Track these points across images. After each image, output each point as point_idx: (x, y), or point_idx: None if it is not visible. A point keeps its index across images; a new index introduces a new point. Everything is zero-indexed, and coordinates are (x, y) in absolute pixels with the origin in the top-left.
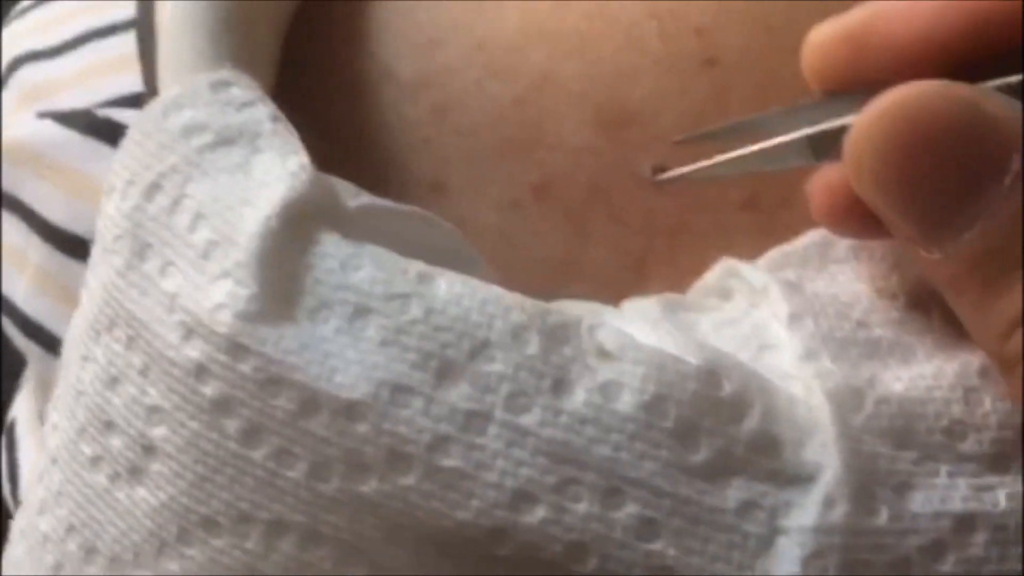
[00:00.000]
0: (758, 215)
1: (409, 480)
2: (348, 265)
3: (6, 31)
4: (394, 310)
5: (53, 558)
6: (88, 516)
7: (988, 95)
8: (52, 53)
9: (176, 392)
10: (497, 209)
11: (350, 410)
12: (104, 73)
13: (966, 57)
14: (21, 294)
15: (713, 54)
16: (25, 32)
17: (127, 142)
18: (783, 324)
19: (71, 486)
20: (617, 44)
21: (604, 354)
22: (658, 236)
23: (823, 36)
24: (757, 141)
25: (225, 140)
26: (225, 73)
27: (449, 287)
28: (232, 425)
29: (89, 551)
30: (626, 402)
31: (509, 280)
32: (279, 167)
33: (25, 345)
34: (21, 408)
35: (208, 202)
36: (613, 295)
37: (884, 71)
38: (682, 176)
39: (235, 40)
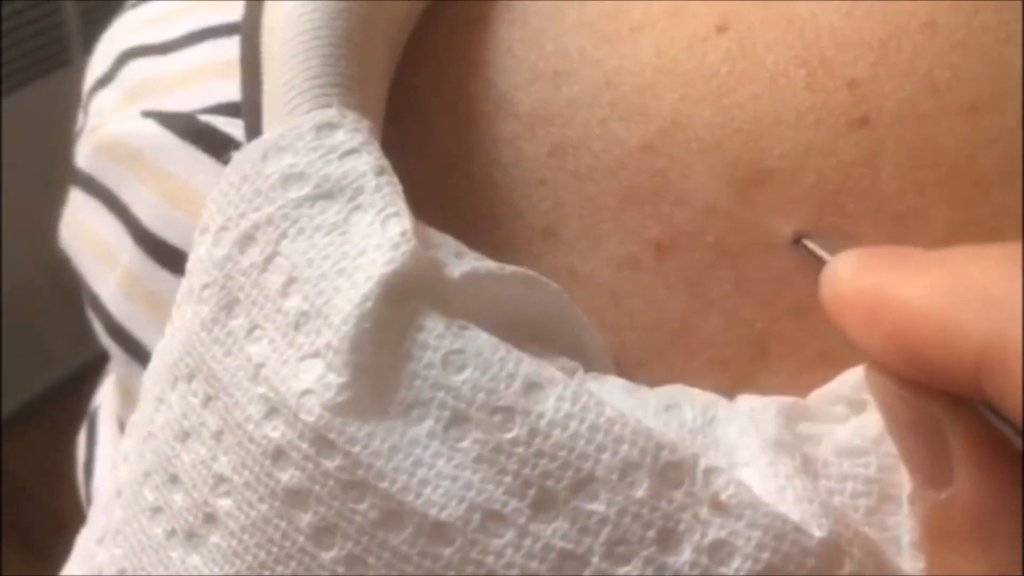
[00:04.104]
0: None
1: None
2: (450, 363)
3: (118, 21)
4: (495, 426)
5: None
6: (140, 566)
7: (947, 410)
8: (163, 49)
9: (249, 469)
10: (612, 265)
11: (436, 530)
12: (212, 76)
13: None
14: (109, 293)
15: (866, 111)
16: (138, 24)
17: (223, 182)
18: (906, 488)
19: (130, 529)
20: (758, 91)
21: (718, 506)
22: (786, 313)
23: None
24: None
25: (325, 193)
26: (331, 113)
27: (557, 404)
28: (305, 519)
29: None
30: (736, 568)
31: (618, 346)
32: (379, 232)
33: (108, 344)
34: (105, 398)
35: (302, 265)
36: (730, 373)
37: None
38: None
39: (350, 66)
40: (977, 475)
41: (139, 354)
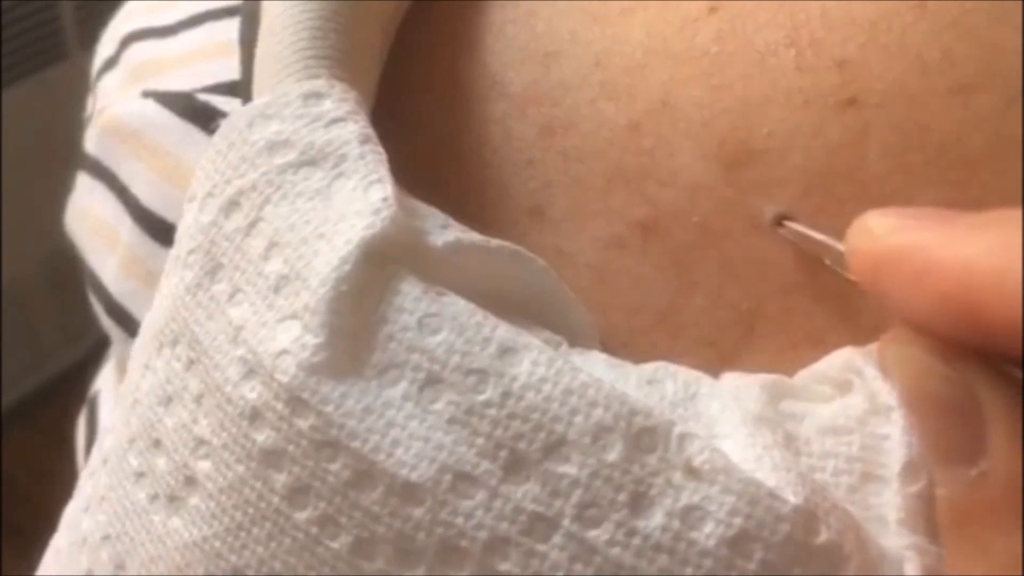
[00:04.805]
0: None
1: None
2: (425, 325)
3: (125, 6)
4: (468, 387)
5: (87, 562)
6: (123, 530)
7: (985, 378)
8: (165, 32)
9: (227, 431)
10: (598, 245)
11: (407, 491)
12: (211, 57)
13: None
14: (110, 273)
15: (854, 92)
16: (142, 9)
17: (211, 151)
18: (896, 468)
19: (114, 494)
20: (747, 71)
21: (691, 471)
22: (771, 293)
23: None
24: None
25: (309, 160)
26: (319, 83)
27: (531, 368)
28: (279, 480)
29: (118, 566)
30: (708, 533)
31: (604, 325)
32: (361, 198)
33: (108, 325)
34: (105, 383)
35: (284, 230)
36: (715, 353)
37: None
38: (802, 236)
39: (340, 40)
40: (1014, 442)
41: (138, 333)
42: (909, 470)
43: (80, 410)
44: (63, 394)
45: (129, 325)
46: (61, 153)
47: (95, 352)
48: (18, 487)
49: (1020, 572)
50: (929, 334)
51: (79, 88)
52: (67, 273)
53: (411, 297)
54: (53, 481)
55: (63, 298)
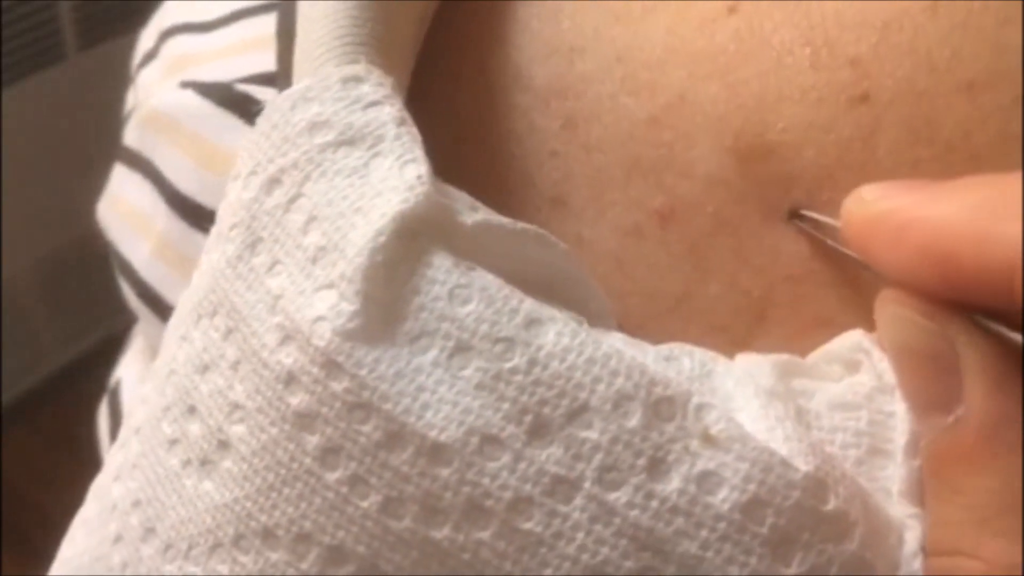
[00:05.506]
0: None
1: (484, 535)
2: (455, 296)
3: (166, 2)
4: (496, 355)
5: (116, 527)
6: (154, 495)
7: (962, 330)
8: (204, 27)
9: (262, 394)
10: (617, 233)
11: (435, 451)
12: (248, 50)
13: None
14: (142, 258)
15: (866, 89)
16: (181, 5)
17: (255, 132)
18: (901, 443)
19: (146, 461)
20: (764, 69)
21: (708, 439)
22: (782, 280)
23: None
24: None
25: (347, 140)
26: (358, 68)
27: (556, 338)
28: (312, 441)
29: (148, 530)
30: (723, 498)
31: (621, 310)
32: (396, 176)
33: (138, 308)
34: (128, 370)
35: (323, 205)
36: (728, 337)
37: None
38: (816, 224)
39: (376, 29)
40: (987, 388)
41: (169, 316)
42: (912, 445)
43: (79, 409)
44: (62, 394)
45: (160, 308)
46: (61, 153)
47: (94, 352)
48: (16, 486)
49: (992, 509)
50: (911, 290)
51: (79, 88)
52: (66, 273)
53: (442, 269)
54: (51, 480)
55: (63, 298)
